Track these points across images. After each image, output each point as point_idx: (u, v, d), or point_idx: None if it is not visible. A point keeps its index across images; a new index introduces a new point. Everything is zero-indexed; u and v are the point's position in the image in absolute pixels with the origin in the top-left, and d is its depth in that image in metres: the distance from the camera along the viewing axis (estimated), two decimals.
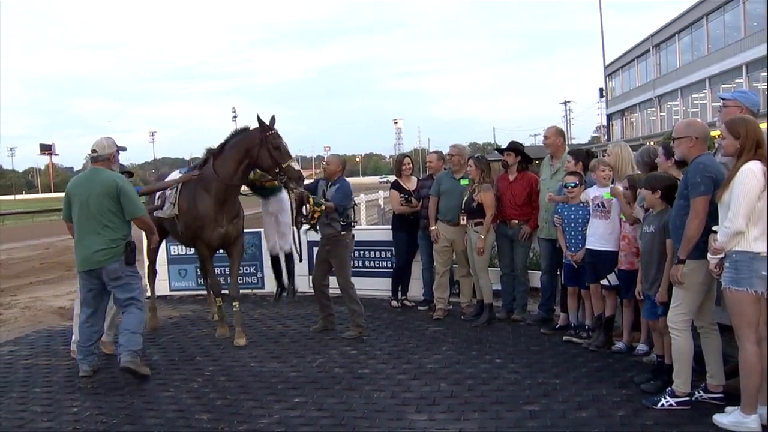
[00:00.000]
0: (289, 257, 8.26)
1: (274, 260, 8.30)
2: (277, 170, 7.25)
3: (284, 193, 8.06)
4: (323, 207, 7.45)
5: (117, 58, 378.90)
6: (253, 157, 7.32)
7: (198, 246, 7.70)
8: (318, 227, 7.68)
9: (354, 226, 7.89)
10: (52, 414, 5.65)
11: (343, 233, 7.66)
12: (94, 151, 6.56)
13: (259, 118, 7.30)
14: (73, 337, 7.05)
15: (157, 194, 8.05)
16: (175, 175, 8.20)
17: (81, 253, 6.38)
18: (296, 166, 7.34)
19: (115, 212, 6.34)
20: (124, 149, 6.90)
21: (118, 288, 6.42)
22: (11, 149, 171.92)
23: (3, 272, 16.44)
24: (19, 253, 20.70)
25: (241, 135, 7.51)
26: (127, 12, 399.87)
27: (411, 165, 9.48)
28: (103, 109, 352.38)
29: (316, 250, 8.42)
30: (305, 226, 7.77)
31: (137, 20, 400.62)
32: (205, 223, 7.44)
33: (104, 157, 6.55)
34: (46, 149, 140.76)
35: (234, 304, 7.65)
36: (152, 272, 8.88)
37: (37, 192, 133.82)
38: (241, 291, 8.13)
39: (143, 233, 7.60)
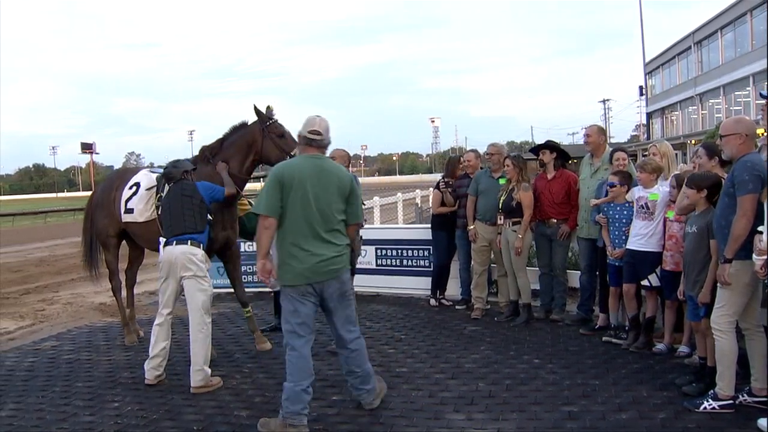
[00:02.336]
0: None
1: (276, 296, 8.05)
2: (287, 159, 6.68)
3: None
4: None
5: (156, 58, 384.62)
6: (258, 151, 7.02)
7: None
8: None
9: (362, 226, 7.08)
10: (94, 408, 5.74)
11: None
12: (316, 132, 5.21)
13: (256, 108, 7.03)
14: (147, 365, 6.32)
15: (124, 197, 7.49)
16: (143, 175, 7.61)
17: (304, 260, 5.01)
18: None
19: (341, 212, 5.18)
20: None
21: (345, 305, 5.28)
22: (53, 148, 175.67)
23: (46, 269, 16.78)
24: (61, 250, 21.04)
25: (240, 131, 7.14)
26: (166, 12, 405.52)
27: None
28: (142, 108, 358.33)
29: None
30: None
31: (176, 20, 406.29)
32: (211, 221, 6.78)
33: (328, 144, 5.36)
34: (87, 148, 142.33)
35: (246, 310, 7.42)
36: None
37: (78, 190, 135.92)
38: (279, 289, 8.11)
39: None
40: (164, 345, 6.33)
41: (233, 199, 7.09)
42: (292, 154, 6.76)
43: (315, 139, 5.18)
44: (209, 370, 6.18)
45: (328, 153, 5.54)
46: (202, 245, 6.32)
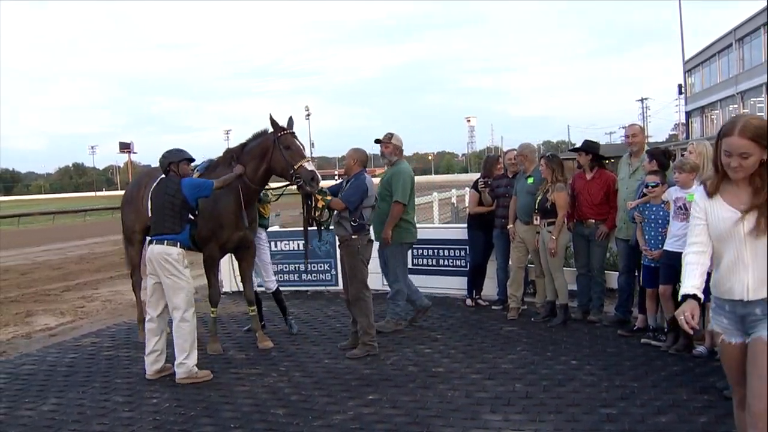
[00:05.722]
0: (278, 293, 8.07)
1: (275, 297, 8.14)
2: (291, 172, 6.87)
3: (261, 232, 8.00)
4: (328, 197, 6.93)
5: (194, 58, 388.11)
6: (268, 160, 7.03)
7: (210, 247, 7.21)
8: (333, 227, 7.22)
9: (368, 229, 7.26)
10: (133, 404, 5.82)
11: (354, 236, 7.01)
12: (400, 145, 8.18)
13: (271, 118, 7.05)
14: (146, 360, 6.61)
15: (150, 193, 7.46)
16: None
17: (413, 228, 8.08)
18: (309, 166, 6.86)
19: None
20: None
21: None
22: (92, 147, 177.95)
23: (85, 266, 17.05)
24: (100, 248, 21.35)
25: (259, 138, 7.19)
26: (205, 13, 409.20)
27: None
28: (180, 108, 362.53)
29: None
30: (316, 224, 7.17)
31: (213, 21, 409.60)
32: (225, 223, 7.08)
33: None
34: (125, 147, 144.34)
35: (251, 308, 7.53)
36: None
37: (117, 189, 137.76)
38: (314, 288, 8.16)
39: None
40: (156, 339, 6.54)
41: (240, 197, 7.07)
42: (295, 167, 6.83)
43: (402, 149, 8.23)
44: (191, 362, 6.36)
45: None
46: (179, 244, 6.43)
